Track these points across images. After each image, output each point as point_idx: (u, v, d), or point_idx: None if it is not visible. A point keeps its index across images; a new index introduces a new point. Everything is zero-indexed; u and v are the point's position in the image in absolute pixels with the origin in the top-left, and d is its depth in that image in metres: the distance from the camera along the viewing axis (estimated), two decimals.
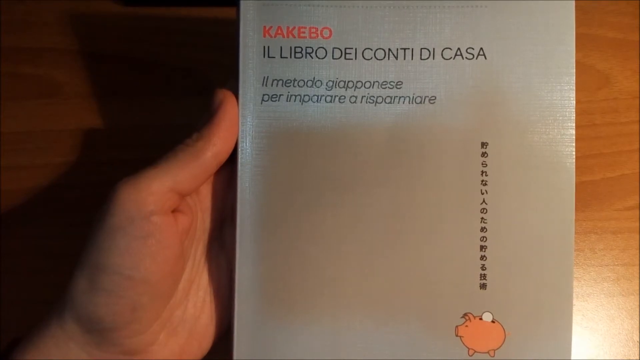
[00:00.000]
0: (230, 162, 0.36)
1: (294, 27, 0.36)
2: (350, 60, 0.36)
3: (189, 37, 0.48)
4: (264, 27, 0.36)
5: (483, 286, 0.36)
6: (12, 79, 0.47)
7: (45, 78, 0.48)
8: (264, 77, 0.36)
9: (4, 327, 0.45)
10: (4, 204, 0.46)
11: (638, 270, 0.46)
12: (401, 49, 0.36)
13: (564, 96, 0.36)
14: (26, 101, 0.47)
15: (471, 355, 0.36)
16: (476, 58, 0.36)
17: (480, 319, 0.36)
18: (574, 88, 0.36)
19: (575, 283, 0.46)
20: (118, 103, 0.47)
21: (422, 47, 0.36)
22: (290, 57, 0.36)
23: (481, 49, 0.36)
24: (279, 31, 0.36)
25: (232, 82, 0.36)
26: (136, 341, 0.33)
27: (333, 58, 0.36)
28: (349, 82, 0.36)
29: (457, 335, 0.36)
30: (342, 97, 0.36)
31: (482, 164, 0.36)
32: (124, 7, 0.48)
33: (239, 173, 0.36)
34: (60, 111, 0.47)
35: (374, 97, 0.36)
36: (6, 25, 0.48)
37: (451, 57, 0.36)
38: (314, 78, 0.36)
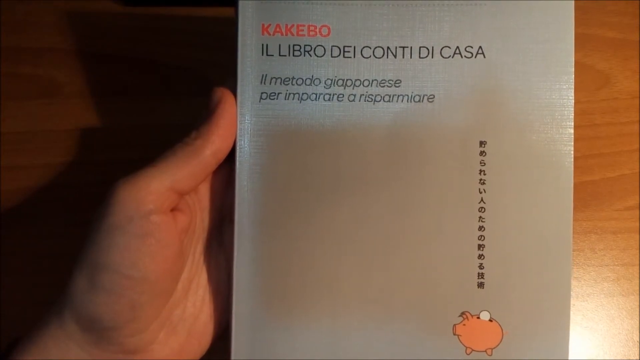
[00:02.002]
0: (229, 161, 0.36)
1: (293, 25, 0.36)
2: (349, 59, 0.36)
3: (189, 37, 0.48)
4: (263, 24, 0.36)
5: (481, 285, 0.36)
6: (12, 79, 0.47)
7: (45, 78, 0.48)
8: (263, 75, 0.36)
9: (4, 327, 0.45)
10: (4, 204, 0.46)
11: (638, 270, 0.46)
12: (400, 47, 0.36)
13: (563, 95, 0.36)
14: (26, 101, 0.47)
15: (469, 354, 0.36)
16: (475, 57, 0.36)
17: (478, 317, 0.36)
18: (573, 87, 0.36)
19: (575, 283, 0.46)
20: (118, 103, 0.47)
21: (421, 45, 0.36)
22: (289, 55, 0.36)
23: (480, 47, 0.36)
24: (278, 29, 0.36)
25: (230, 81, 0.36)
26: (136, 340, 0.33)
27: (332, 56, 0.36)
28: (347, 80, 0.36)
29: (454, 334, 0.36)
30: (341, 96, 0.36)
31: (481, 163, 0.36)
32: (124, 7, 0.48)
33: (237, 171, 0.36)
34: (60, 111, 0.47)
35: (372, 95, 0.36)
36: (6, 25, 0.48)
37: (450, 56, 0.36)
38: (312, 76, 0.36)
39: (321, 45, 0.36)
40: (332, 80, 0.36)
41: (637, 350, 0.46)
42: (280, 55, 0.36)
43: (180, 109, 0.47)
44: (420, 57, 0.36)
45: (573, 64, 0.36)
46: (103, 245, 0.32)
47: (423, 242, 0.36)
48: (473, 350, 0.36)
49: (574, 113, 0.36)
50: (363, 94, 0.36)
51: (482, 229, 0.36)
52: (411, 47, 0.36)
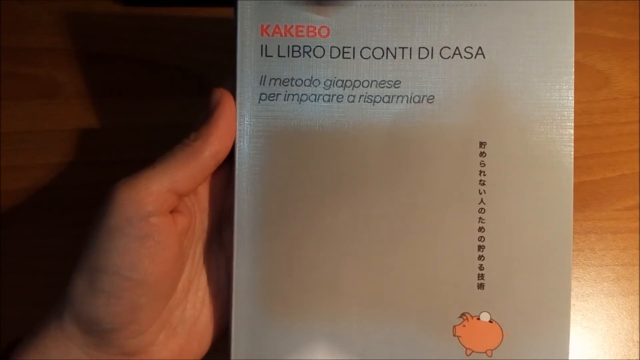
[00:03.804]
0: (228, 162, 0.36)
1: (292, 26, 0.36)
2: (348, 60, 0.36)
3: (189, 37, 0.48)
4: (262, 25, 0.36)
5: (481, 286, 0.36)
6: (12, 79, 0.47)
7: (45, 78, 0.48)
8: (262, 76, 0.36)
9: (4, 327, 0.45)
10: (4, 204, 0.46)
11: (638, 270, 0.46)
12: (399, 48, 0.36)
13: (563, 96, 0.36)
14: (26, 101, 0.47)
15: (469, 355, 0.36)
16: (475, 57, 0.36)
17: (478, 318, 0.36)
18: (573, 88, 0.36)
19: (575, 283, 0.46)
20: (118, 103, 0.47)
21: (421, 46, 0.36)
22: (288, 56, 0.36)
23: (480, 48, 0.36)
24: (277, 30, 0.36)
25: (229, 81, 0.36)
26: (136, 342, 0.33)
27: (331, 57, 0.36)
28: (347, 81, 0.36)
29: (454, 335, 0.36)
30: (340, 97, 0.36)
31: (480, 164, 0.36)
32: (124, 7, 0.48)
33: (237, 173, 0.36)
34: (60, 111, 0.47)
35: (372, 96, 0.36)
36: (6, 25, 0.48)
37: (450, 57, 0.36)
38: (311, 77, 0.36)
39: (320, 46, 0.36)
40: (331, 81, 0.36)
41: (637, 350, 0.46)
42: (279, 56, 0.36)
43: (180, 109, 0.47)
44: (419, 58, 0.36)
45: (573, 64, 0.36)
46: (102, 247, 0.32)
47: (423, 243, 0.36)
48: (473, 351, 0.36)
49: (574, 113, 0.36)
50: (362, 95, 0.36)
51: (482, 229, 0.36)
52: (411, 48, 0.36)
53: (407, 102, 0.36)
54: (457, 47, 0.36)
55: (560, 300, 0.36)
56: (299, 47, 0.36)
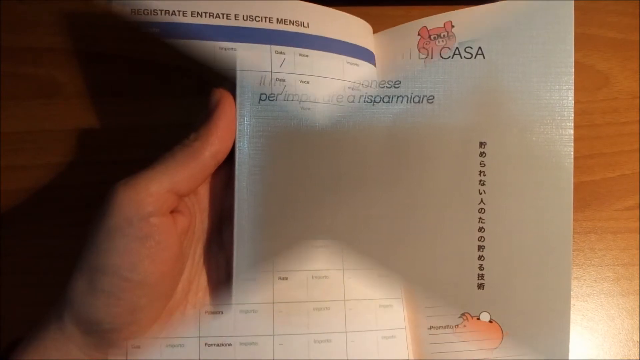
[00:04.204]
0: (228, 162, 0.36)
1: None
2: None
3: None
4: None
5: (481, 286, 0.36)
6: (12, 79, 0.47)
7: (45, 78, 0.47)
8: (262, 76, 0.36)
9: (4, 327, 0.45)
10: (4, 204, 0.46)
11: (638, 270, 0.46)
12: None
13: (563, 96, 0.36)
14: (26, 101, 0.47)
15: None
16: (475, 57, 0.36)
17: (478, 318, 0.36)
18: (573, 88, 0.36)
19: (575, 283, 0.46)
20: (118, 103, 0.47)
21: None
22: None
23: (480, 48, 0.36)
24: None
25: (229, 81, 0.36)
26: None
27: None
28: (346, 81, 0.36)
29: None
30: (340, 97, 0.36)
31: (480, 164, 0.36)
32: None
33: (237, 173, 0.36)
34: (60, 111, 0.47)
35: (372, 96, 0.36)
36: (6, 25, 0.48)
37: (450, 57, 0.36)
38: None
39: None
40: None
41: (637, 350, 0.46)
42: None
43: (180, 109, 0.47)
44: (419, 58, 0.36)
45: (573, 64, 0.36)
46: (102, 247, 0.32)
47: (423, 243, 0.36)
48: None
49: (574, 113, 0.36)
50: (362, 95, 0.36)
51: (482, 229, 0.36)
52: (410, 48, 0.36)
53: (407, 102, 0.36)
54: (457, 47, 0.36)
55: (560, 300, 0.36)
56: None
